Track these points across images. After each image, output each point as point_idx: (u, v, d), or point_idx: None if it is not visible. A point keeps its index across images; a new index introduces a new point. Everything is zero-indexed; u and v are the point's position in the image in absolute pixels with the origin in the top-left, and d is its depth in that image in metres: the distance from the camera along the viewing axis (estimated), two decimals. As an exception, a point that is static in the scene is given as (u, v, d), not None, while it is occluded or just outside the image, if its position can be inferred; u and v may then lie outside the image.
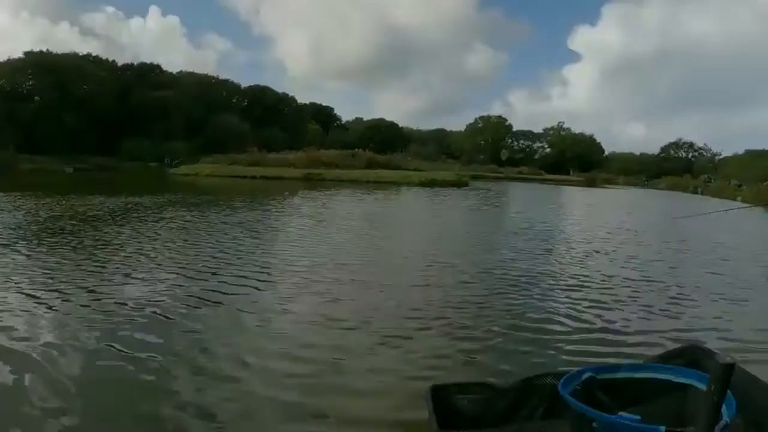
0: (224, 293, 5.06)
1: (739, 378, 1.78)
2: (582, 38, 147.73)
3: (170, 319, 4.28)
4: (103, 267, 6.11)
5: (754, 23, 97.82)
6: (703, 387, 1.71)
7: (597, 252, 8.74)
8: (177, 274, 5.85)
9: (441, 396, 2.13)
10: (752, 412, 1.90)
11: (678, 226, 12.86)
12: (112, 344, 3.62)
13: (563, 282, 6.27)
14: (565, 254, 8.41)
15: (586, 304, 5.26)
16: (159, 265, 6.32)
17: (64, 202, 13.19)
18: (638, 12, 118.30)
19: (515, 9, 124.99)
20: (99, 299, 4.73)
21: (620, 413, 1.77)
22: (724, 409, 1.57)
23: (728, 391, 1.49)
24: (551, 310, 4.99)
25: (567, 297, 5.53)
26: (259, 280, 5.69)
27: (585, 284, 6.19)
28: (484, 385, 2.23)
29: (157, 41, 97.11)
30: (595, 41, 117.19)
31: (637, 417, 1.72)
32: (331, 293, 5.28)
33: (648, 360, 2.46)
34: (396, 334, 4.04)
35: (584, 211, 18.90)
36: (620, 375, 2.15)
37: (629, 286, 6.18)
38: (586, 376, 2.08)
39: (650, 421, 1.72)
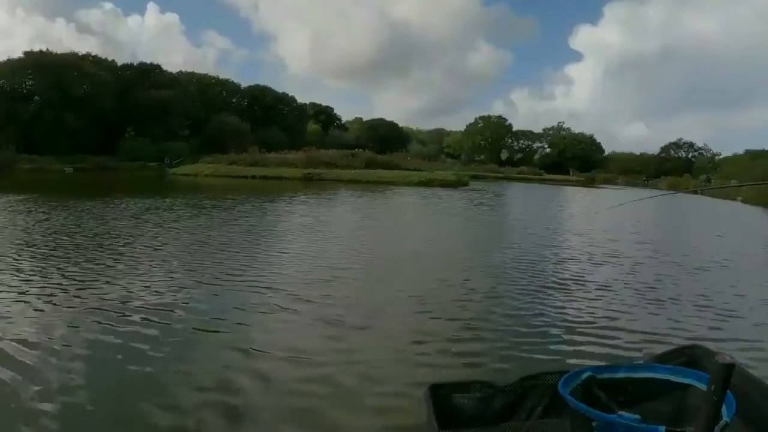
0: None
1: (738, 378, 1.78)
2: (584, 37, 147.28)
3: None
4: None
5: (755, 23, 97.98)
6: (703, 387, 1.71)
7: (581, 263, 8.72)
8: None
9: (440, 395, 2.12)
10: (752, 412, 1.90)
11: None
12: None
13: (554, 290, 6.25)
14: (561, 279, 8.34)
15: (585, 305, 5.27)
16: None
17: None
18: (640, 11, 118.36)
19: (518, 6, 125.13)
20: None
21: (620, 413, 1.77)
22: (724, 409, 1.56)
23: (728, 391, 1.48)
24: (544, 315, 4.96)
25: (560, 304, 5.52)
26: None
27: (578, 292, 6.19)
28: (483, 383, 2.22)
29: (155, 39, 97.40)
30: (597, 40, 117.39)
31: (637, 417, 1.72)
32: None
33: (648, 360, 2.46)
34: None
35: (581, 214, 18.88)
36: (620, 375, 2.15)
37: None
38: (585, 375, 2.08)
39: (650, 420, 1.72)
